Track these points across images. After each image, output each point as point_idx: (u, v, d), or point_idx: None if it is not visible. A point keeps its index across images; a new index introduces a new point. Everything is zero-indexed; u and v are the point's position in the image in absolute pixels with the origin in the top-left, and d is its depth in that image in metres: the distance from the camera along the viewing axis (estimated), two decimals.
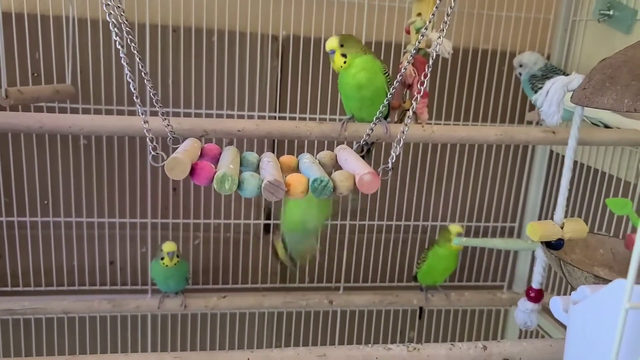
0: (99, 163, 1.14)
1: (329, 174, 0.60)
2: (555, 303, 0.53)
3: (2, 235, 1.14)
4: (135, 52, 0.60)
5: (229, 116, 1.14)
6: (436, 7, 0.68)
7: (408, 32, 0.96)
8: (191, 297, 1.16)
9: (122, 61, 0.53)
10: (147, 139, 0.54)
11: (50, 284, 1.17)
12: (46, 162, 1.11)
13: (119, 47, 0.53)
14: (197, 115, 1.13)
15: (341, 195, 0.58)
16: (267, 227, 1.27)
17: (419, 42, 0.70)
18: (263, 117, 1.16)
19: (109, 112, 1.09)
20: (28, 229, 1.14)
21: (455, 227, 1.12)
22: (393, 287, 1.31)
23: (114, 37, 0.53)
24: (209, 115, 1.13)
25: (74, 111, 1.08)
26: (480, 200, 1.30)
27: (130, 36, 0.60)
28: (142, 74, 0.61)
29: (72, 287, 1.18)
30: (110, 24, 0.52)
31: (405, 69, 0.72)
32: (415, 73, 0.92)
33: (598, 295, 0.46)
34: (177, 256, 1.07)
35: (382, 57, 1.15)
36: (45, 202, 1.14)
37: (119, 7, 0.58)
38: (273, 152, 1.18)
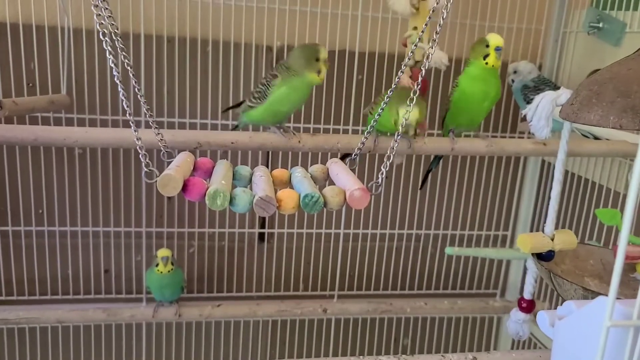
0: (93, 172, 1.14)
1: (321, 187, 0.61)
2: (542, 317, 0.53)
3: None
4: (129, 68, 0.61)
5: (224, 126, 1.15)
6: (427, 22, 0.69)
7: (405, 45, 0.97)
8: (186, 306, 1.17)
9: (116, 79, 0.54)
10: (140, 156, 0.54)
11: (45, 293, 1.18)
12: (41, 171, 1.12)
13: (112, 65, 0.54)
14: (192, 124, 1.14)
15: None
16: (261, 236, 1.27)
17: (410, 57, 0.71)
18: (257, 127, 1.17)
19: (103, 122, 1.10)
20: (22, 238, 1.14)
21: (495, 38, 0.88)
22: (387, 295, 1.32)
23: (107, 55, 0.54)
24: (203, 125, 1.14)
25: (69, 121, 1.08)
26: (473, 209, 1.31)
27: (124, 52, 0.61)
28: (136, 89, 0.62)
29: (66, 295, 1.19)
30: (104, 42, 0.53)
31: (398, 79, 0.73)
32: (410, 85, 0.93)
33: (582, 312, 0.47)
34: (172, 263, 1.08)
35: (374, 68, 1.17)
36: (40, 211, 1.15)
37: (113, 24, 0.59)
38: (267, 162, 1.20)
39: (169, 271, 1.07)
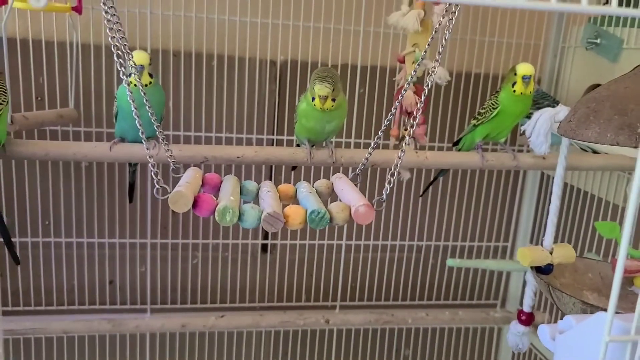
0: (99, 184, 1.16)
1: (325, 202, 0.62)
2: (543, 331, 0.55)
3: (3, 255, 1.15)
4: (140, 86, 0.63)
5: (228, 139, 1.17)
6: (431, 38, 0.71)
7: (401, 61, 0.99)
8: (190, 317, 1.18)
9: (129, 99, 0.56)
10: (152, 173, 0.56)
11: (51, 304, 1.19)
12: (48, 183, 1.14)
13: (126, 85, 0.56)
14: (197, 137, 1.16)
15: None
16: (264, 247, 1.29)
17: (415, 72, 0.73)
18: (261, 140, 1.19)
19: (110, 135, 1.12)
20: (29, 249, 1.15)
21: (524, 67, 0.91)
22: (388, 306, 1.33)
23: (121, 75, 0.55)
24: (208, 138, 1.16)
25: (76, 134, 1.10)
26: (474, 220, 1.33)
27: (135, 71, 0.63)
28: (147, 107, 0.63)
29: (72, 306, 1.20)
30: (117, 63, 0.55)
31: (401, 96, 0.75)
32: (417, 100, 0.96)
33: (582, 326, 0.49)
34: (151, 75, 0.85)
35: (376, 82, 1.19)
36: (47, 222, 1.16)
37: (123, 37, 0.60)
38: (270, 174, 1.22)
39: (149, 85, 0.84)
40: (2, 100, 0.78)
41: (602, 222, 0.86)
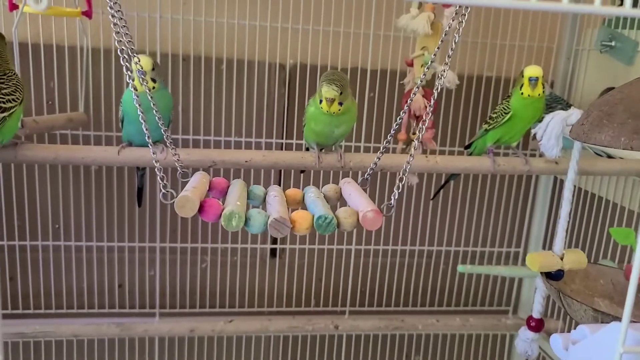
0: (109, 188, 1.17)
1: (333, 207, 0.62)
2: (556, 341, 0.53)
3: (14, 258, 1.16)
4: (148, 91, 0.62)
5: (237, 142, 1.16)
6: (441, 41, 0.70)
7: (410, 64, 0.98)
8: (198, 321, 1.18)
9: (135, 103, 0.55)
10: (158, 178, 0.56)
11: (61, 307, 1.19)
12: (58, 187, 1.14)
13: (133, 89, 0.55)
14: (206, 141, 1.16)
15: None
16: (273, 252, 1.28)
17: (424, 75, 0.72)
18: (270, 144, 1.18)
19: (120, 139, 1.12)
20: (40, 253, 1.16)
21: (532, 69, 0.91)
22: (398, 312, 1.32)
23: (127, 79, 0.55)
24: (217, 142, 1.16)
25: (86, 138, 1.11)
26: (485, 226, 1.31)
27: (142, 76, 0.62)
28: (154, 111, 0.63)
29: (81, 309, 1.20)
30: (125, 68, 0.55)
31: (411, 99, 0.74)
32: (426, 104, 0.95)
33: (596, 337, 0.47)
34: (154, 80, 0.85)
35: (386, 85, 1.18)
36: (57, 226, 1.17)
37: (131, 41, 0.60)
38: (279, 178, 1.21)
39: (153, 89, 0.83)
40: (17, 98, 0.78)
41: (617, 228, 0.84)
